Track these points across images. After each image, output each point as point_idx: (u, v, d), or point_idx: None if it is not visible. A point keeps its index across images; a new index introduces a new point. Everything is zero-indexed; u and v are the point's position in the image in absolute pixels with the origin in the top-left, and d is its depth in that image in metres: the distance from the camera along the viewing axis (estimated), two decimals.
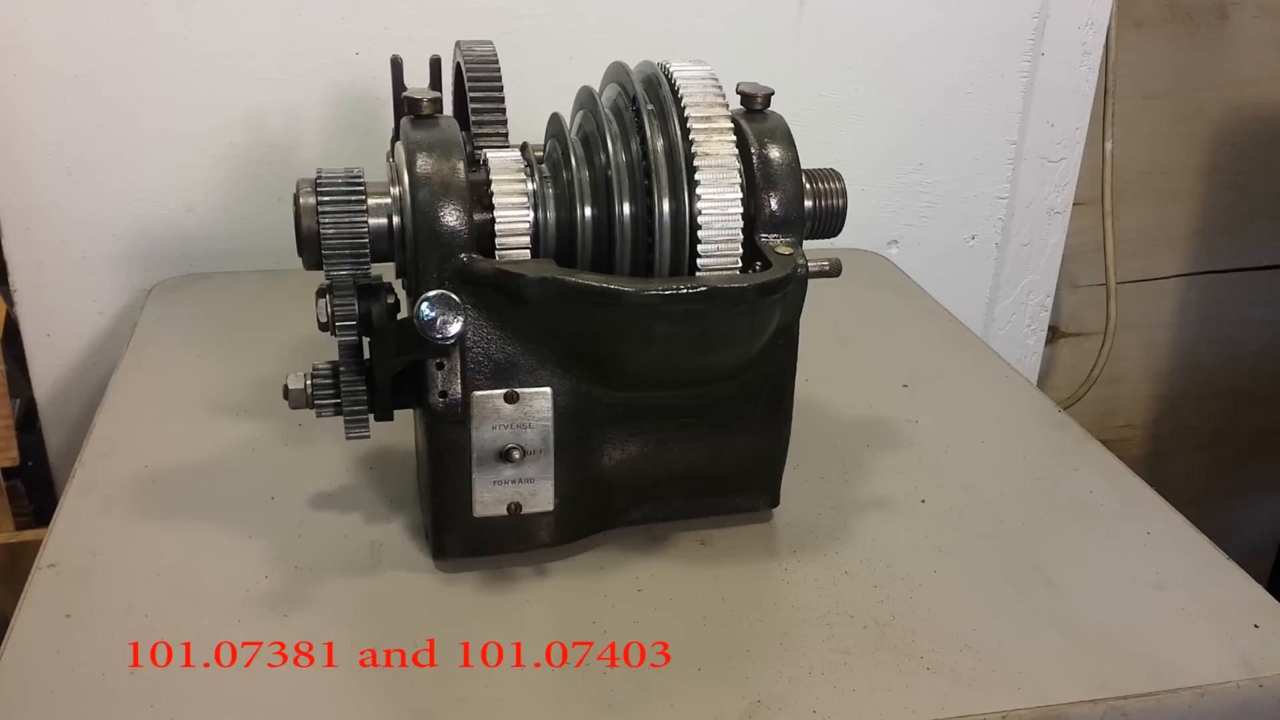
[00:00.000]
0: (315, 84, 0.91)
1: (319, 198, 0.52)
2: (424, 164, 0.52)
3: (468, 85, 0.56)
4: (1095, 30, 1.05)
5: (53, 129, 0.88)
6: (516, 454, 0.55)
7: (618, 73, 0.59)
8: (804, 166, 0.57)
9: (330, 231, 0.52)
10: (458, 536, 0.57)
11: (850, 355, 0.83)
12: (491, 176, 0.53)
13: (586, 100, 0.58)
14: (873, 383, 0.78)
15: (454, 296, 0.50)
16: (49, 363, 0.95)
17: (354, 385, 0.54)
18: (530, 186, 0.54)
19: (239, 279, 0.92)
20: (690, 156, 0.53)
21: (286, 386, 0.55)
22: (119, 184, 0.90)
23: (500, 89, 0.56)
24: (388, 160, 0.57)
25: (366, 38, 0.90)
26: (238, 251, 0.94)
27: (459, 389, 0.54)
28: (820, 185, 0.58)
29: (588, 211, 0.54)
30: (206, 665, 0.51)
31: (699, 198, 0.53)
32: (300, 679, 0.50)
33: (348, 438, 0.55)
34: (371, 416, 0.55)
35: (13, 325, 0.93)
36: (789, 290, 0.54)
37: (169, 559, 0.58)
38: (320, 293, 0.53)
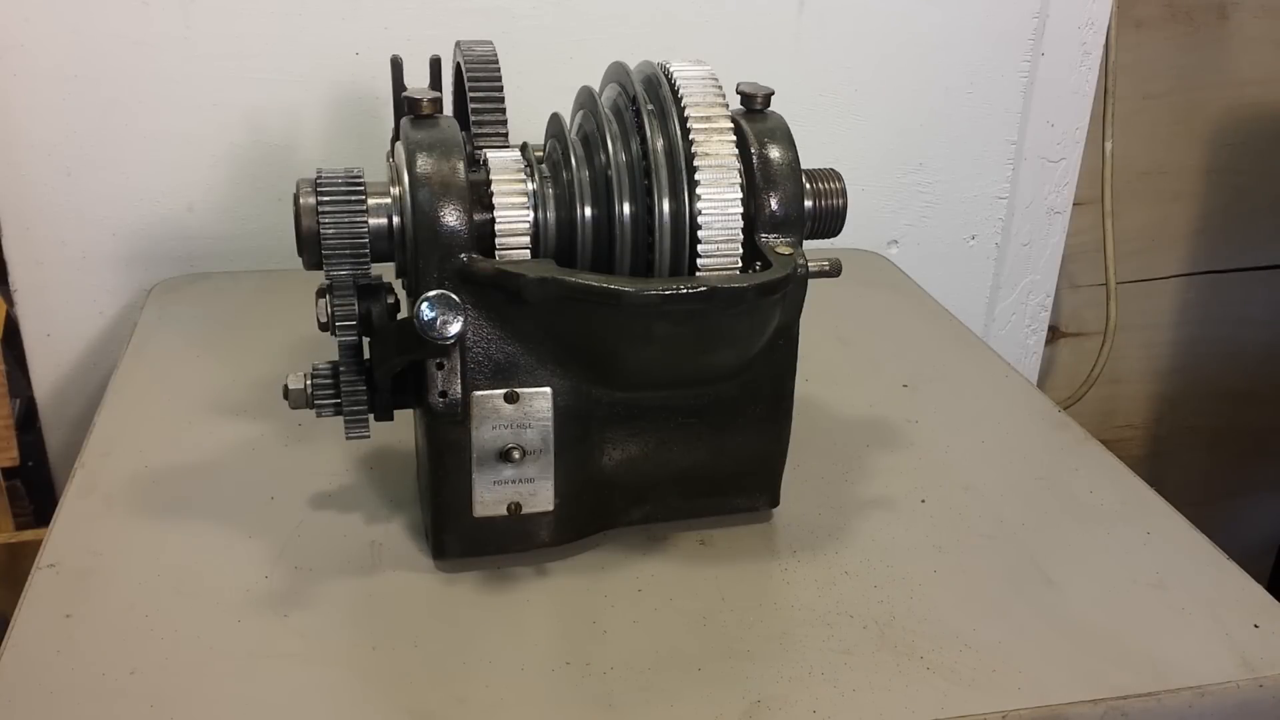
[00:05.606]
0: (315, 84, 0.91)
1: (319, 198, 0.52)
2: (424, 164, 0.52)
3: (468, 85, 0.56)
4: (1095, 30, 1.05)
5: (53, 129, 0.88)
6: (516, 454, 0.55)
7: (618, 73, 0.59)
8: (804, 166, 0.57)
9: (330, 231, 0.52)
10: (458, 536, 0.57)
11: (850, 355, 0.83)
12: (491, 176, 0.53)
13: (586, 100, 0.58)
14: (873, 383, 0.78)
15: (454, 296, 0.50)
16: (49, 363, 0.95)
17: (354, 385, 0.54)
18: (530, 186, 0.54)
19: (239, 279, 0.92)
20: (690, 156, 0.53)
21: (286, 386, 0.55)
22: (119, 184, 0.90)
23: (500, 89, 0.56)
24: (388, 160, 0.57)
25: (366, 38, 0.90)
26: (238, 251, 0.94)
27: (459, 389, 0.54)
28: (820, 185, 0.58)
29: (588, 211, 0.54)
30: (206, 666, 0.51)
31: (699, 198, 0.53)
32: (300, 679, 0.50)
33: (348, 438, 0.55)
34: (371, 416, 0.55)
35: (13, 325, 0.93)
36: (789, 290, 0.54)
37: (169, 559, 0.58)
38: (320, 293, 0.53)
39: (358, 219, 0.52)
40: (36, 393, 0.95)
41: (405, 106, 0.54)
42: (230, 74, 0.89)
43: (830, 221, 0.58)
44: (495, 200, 0.53)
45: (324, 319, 0.53)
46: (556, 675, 0.51)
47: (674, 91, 0.55)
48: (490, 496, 0.56)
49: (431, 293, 0.50)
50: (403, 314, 0.53)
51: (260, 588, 0.56)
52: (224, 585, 0.56)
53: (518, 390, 0.55)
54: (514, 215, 0.53)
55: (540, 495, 0.56)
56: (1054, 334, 1.30)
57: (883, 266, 1.01)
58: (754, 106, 0.57)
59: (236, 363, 0.78)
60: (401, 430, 0.62)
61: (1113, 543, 0.62)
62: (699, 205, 0.53)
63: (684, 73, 0.55)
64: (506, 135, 0.56)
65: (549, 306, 0.52)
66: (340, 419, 0.55)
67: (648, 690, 0.50)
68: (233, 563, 0.58)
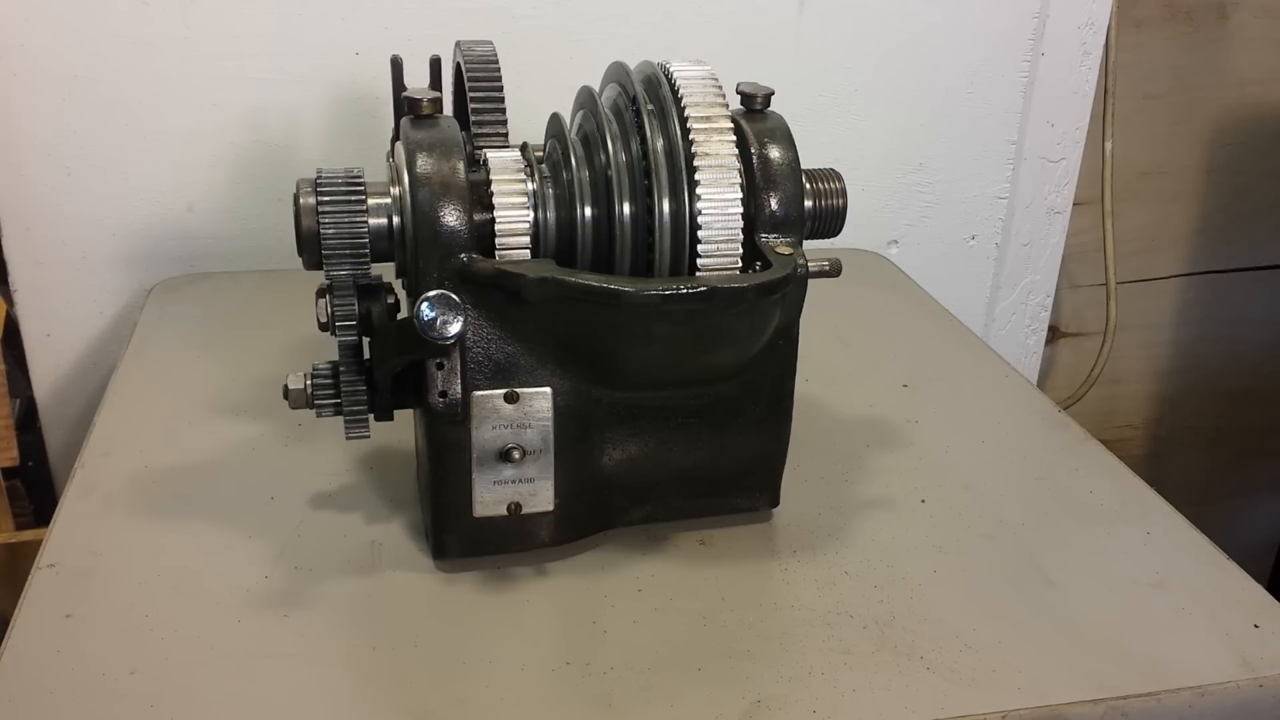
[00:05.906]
0: (315, 84, 0.91)
1: (319, 198, 0.52)
2: (424, 164, 0.52)
3: (468, 85, 0.56)
4: (1095, 30, 1.05)
5: (53, 129, 0.88)
6: (516, 454, 0.55)
7: (618, 73, 0.59)
8: (804, 166, 0.57)
9: (330, 231, 0.52)
10: (458, 536, 0.57)
11: (850, 355, 0.83)
12: (491, 176, 0.53)
13: (586, 100, 0.58)
14: (873, 383, 0.78)
15: (454, 296, 0.50)
16: (49, 363, 0.95)
17: (354, 385, 0.54)
18: (530, 186, 0.54)
19: (239, 279, 0.92)
20: (690, 156, 0.53)
21: (286, 386, 0.55)
22: (119, 184, 0.91)
23: (500, 89, 0.56)
24: (388, 160, 0.57)
25: (366, 38, 0.90)
26: (238, 251, 0.94)
27: (459, 389, 0.54)
28: (820, 185, 0.58)
29: (588, 211, 0.54)
30: (206, 666, 0.51)
31: (699, 198, 0.53)
32: (300, 679, 0.50)
33: (348, 438, 0.55)
34: (371, 416, 0.55)
35: (13, 325, 0.93)
36: (789, 290, 0.54)
37: (169, 559, 0.58)
38: (320, 293, 0.53)
39: (358, 219, 0.52)
40: (36, 393, 0.95)
41: (405, 106, 0.54)
42: (230, 74, 0.89)
43: (830, 221, 0.58)
44: (495, 200, 0.53)
45: (324, 319, 0.53)
46: (556, 675, 0.51)
47: (674, 91, 0.55)
48: (490, 496, 0.56)
49: (431, 293, 0.50)
50: (403, 314, 0.53)
51: (260, 588, 0.56)
52: (224, 585, 0.56)
53: (518, 390, 0.55)
54: (514, 215, 0.53)
55: (540, 495, 0.56)
56: (1054, 334, 1.30)
57: (883, 266, 1.01)
58: (754, 106, 0.57)
59: (236, 363, 0.78)
60: (401, 430, 0.62)
61: (1113, 543, 0.62)
62: (699, 205, 0.53)
63: (684, 73, 0.55)
64: (506, 135, 0.56)
65: (549, 306, 0.52)
66: (340, 419, 0.55)
67: (648, 690, 0.50)
68: (233, 563, 0.58)
